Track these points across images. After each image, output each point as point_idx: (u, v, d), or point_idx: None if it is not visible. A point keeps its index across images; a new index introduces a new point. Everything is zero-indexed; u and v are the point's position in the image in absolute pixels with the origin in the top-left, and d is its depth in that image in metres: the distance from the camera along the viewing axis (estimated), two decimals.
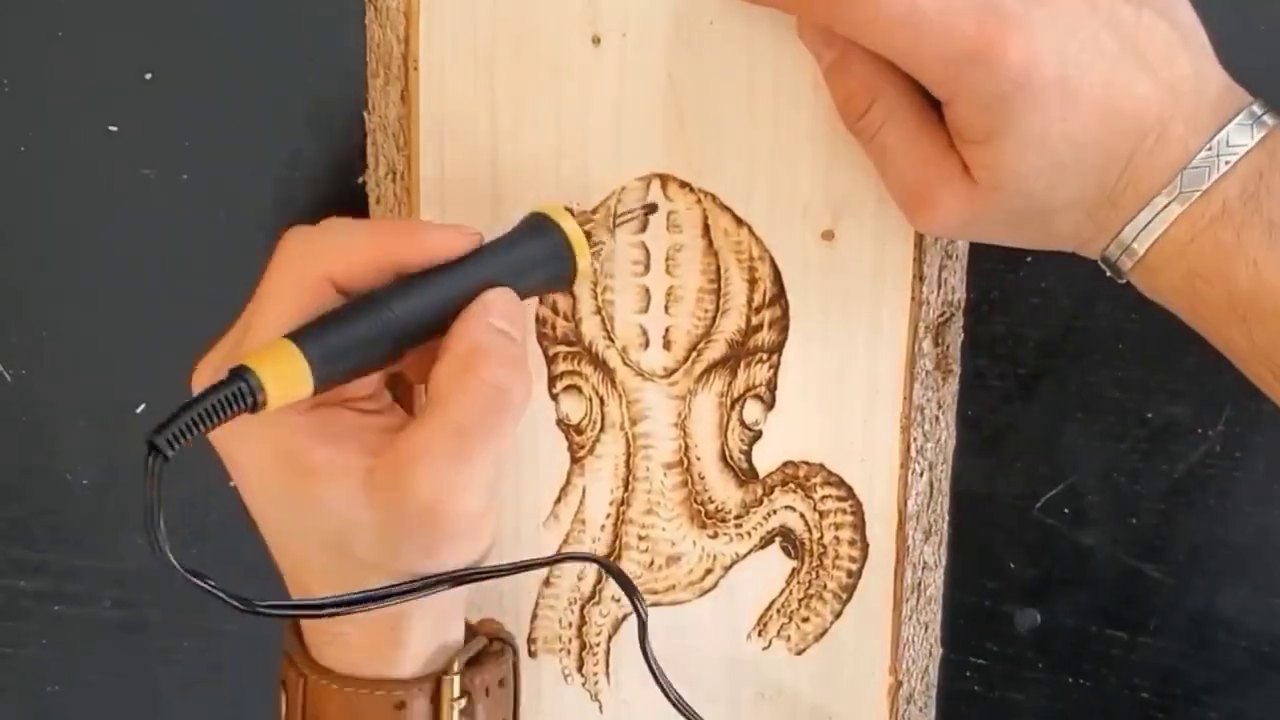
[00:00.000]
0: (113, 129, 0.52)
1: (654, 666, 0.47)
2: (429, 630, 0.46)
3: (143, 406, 0.53)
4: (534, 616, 0.54)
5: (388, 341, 0.43)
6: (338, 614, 0.43)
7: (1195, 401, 0.53)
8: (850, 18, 0.43)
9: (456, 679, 0.47)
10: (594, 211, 0.49)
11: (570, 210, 0.46)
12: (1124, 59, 0.42)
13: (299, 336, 0.41)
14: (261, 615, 0.41)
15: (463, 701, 0.47)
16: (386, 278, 0.44)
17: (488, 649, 0.49)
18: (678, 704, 0.48)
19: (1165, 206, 0.43)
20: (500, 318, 0.44)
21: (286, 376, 0.40)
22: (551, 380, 0.52)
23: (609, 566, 0.49)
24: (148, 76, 0.51)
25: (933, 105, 0.45)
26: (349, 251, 0.43)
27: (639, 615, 0.46)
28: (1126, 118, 0.42)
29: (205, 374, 0.44)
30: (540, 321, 0.51)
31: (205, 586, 0.39)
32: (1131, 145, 0.42)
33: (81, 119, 0.52)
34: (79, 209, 0.53)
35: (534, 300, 0.49)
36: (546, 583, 0.54)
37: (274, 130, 0.52)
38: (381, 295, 0.43)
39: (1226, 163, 0.42)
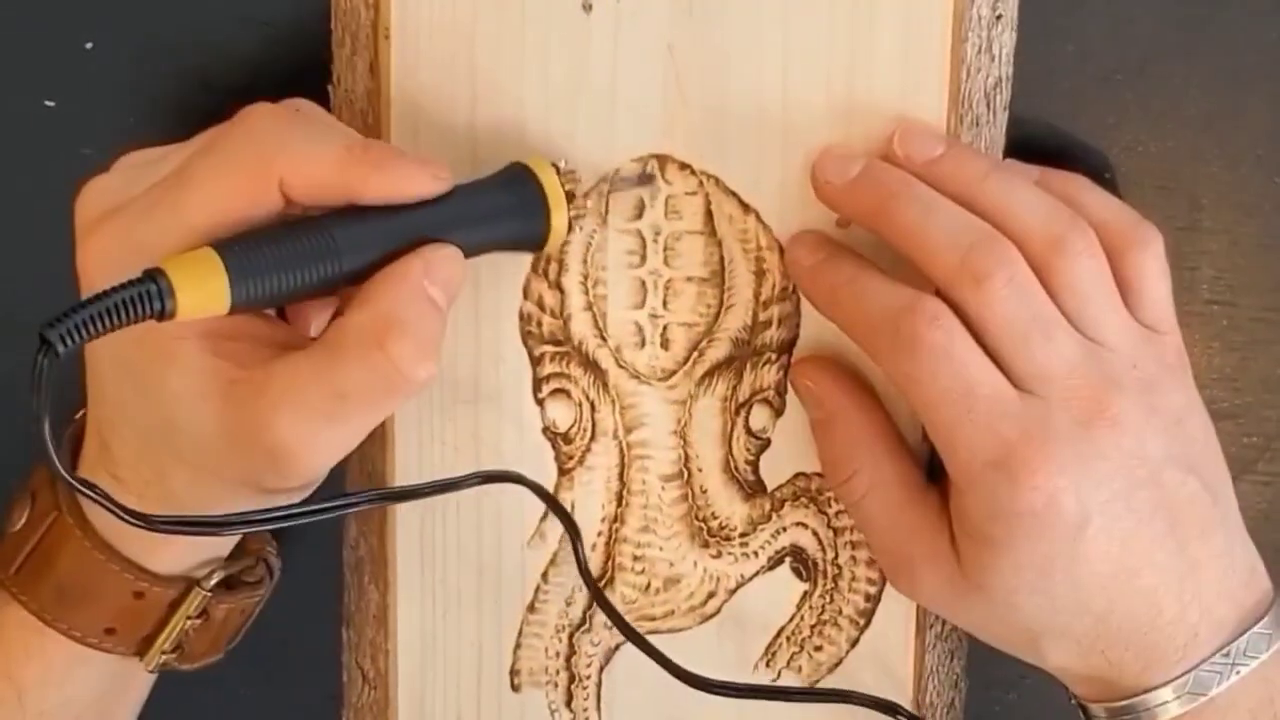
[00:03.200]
0: (49, 104, 0.51)
1: (589, 582, 0.48)
2: (203, 540, 0.47)
3: (83, 413, 0.49)
4: (517, 645, 0.53)
5: (321, 275, 0.41)
6: (234, 533, 0.44)
7: None
8: (905, 370, 0.44)
9: (201, 596, 0.47)
10: (586, 193, 0.48)
11: (556, 166, 0.46)
12: (1155, 522, 0.43)
13: (225, 249, 0.40)
14: (156, 529, 0.41)
15: (198, 621, 0.47)
16: (339, 202, 0.42)
17: (248, 571, 0.49)
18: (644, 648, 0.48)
19: (1165, 703, 0.44)
20: (437, 284, 0.42)
21: (203, 291, 0.40)
22: (537, 384, 0.50)
23: (523, 481, 0.48)
24: (88, 45, 0.50)
25: (922, 479, 0.47)
26: (315, 160, 0.42)
27: (570, 533, 0.48)
28: (1139, 581, 0.43)
29: (94, 199, 0.43)
30: (525, 318, 0.50)
31: (96, 497, 0.40)
32: (1140, 613, 0.44)
33: (14, 92, 0.51)
34: (11, 192, 0.52)
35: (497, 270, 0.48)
36: (531, 609, 0.52)
37: (228, 105, 0.48)
38: (325, 222, 0.42)
39: (1238, 673, 0.44)
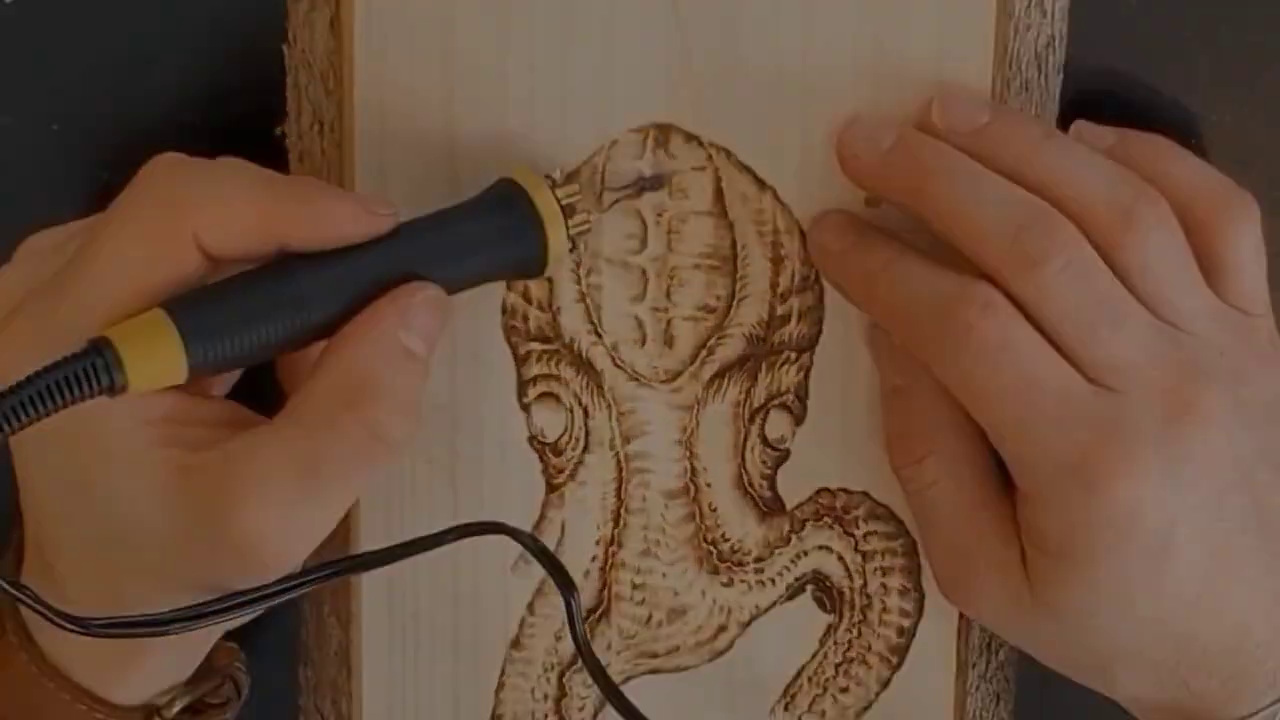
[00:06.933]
0: None
1: (584, 650, 0.43)
2: (169, 661, 0.45)
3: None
4: (500, 686, 0.51)
5: (289, 329, 0.40)
6: (179, 630, 0.41)
7: None
8: (956, 365, 0.42)
9: None
10: (575, 178, 0.46)
11: (551, 178, 0.44)
12: (1246, 532, 0.42)
13: (175, 308, 0.39)
14: (93, 634, 0.40)
15: None
16: (267, 251, 0.41)
17: (214, 692, 0.47)
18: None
19: None
20: (416, 333, 0.41)
21: (156, 357, 0.38)
22: (522, 387, 0.49)
23: (503, 529, 0.44)
24: (7, 0, 0.48)
25: (998, 478, 0.44)
26: (229, 209, 0.40)
27: (568, 602, 0.43)
28: (1229, 600, 0.42)
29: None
30: (509, 311, 0.49)
31: (27, 600, 0.39)
32: (1228, 636, 0.42)
33: None
34: None
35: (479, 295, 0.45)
36: (515, 644, 0.51)
37: (169, 69, 0.48)
38: (290, 267, 0.40)
39: None
